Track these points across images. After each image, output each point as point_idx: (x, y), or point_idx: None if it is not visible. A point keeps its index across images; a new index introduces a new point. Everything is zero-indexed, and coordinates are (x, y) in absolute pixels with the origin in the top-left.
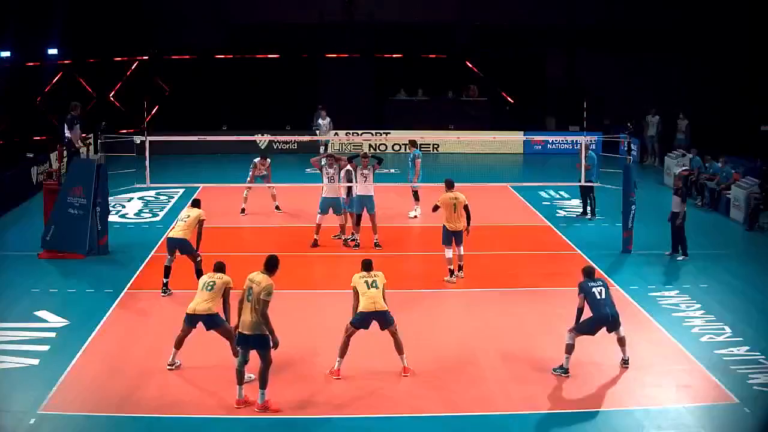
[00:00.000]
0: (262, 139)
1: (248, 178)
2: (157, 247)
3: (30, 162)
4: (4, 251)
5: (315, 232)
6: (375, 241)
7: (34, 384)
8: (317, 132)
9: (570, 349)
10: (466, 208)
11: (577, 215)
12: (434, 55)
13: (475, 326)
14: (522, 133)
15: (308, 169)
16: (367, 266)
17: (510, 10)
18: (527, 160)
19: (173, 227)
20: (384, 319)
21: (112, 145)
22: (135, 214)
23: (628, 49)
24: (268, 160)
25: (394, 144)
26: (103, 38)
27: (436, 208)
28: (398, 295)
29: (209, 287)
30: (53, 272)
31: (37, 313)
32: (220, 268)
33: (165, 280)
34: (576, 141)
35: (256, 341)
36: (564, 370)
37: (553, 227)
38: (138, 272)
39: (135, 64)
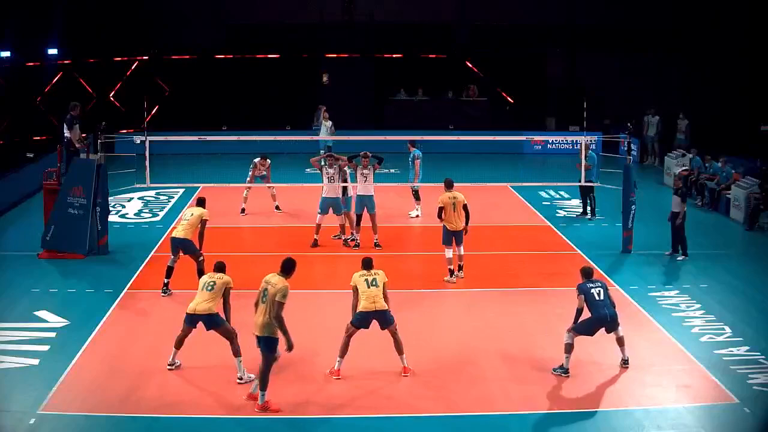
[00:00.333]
0: (325, 136)
1: (248, 178)
2: (157, 247)
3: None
4: (4, 251)
5: (315, 232)
6: (375, 241)
7: (34, 384)
8: (318, 133)
9: (569, 348)
10: (465, 207)
11: (577, 215)
12: (434, 55)
13: (475, 326)
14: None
15: (308, 169)
16: (367, 265)
17: (510, 10)
18: (527, 160)
19: (176, 226)
20: (384, 319)
21: (112, 145)
22: (135, 214)
23: (628, 49)
24: (268, 160)
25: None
26: (103, 38)
27: (440, 213)
28: (398, 295)
29: (209, 287)
30: (53, 272)
31: (37, 313)
32: (220, 268)
33: (166, 280)
34: (576, 141)
35: (263, 342)
36: (564, 370)
37: (553, 227)
38: (138, 272)
39: (135, 64)
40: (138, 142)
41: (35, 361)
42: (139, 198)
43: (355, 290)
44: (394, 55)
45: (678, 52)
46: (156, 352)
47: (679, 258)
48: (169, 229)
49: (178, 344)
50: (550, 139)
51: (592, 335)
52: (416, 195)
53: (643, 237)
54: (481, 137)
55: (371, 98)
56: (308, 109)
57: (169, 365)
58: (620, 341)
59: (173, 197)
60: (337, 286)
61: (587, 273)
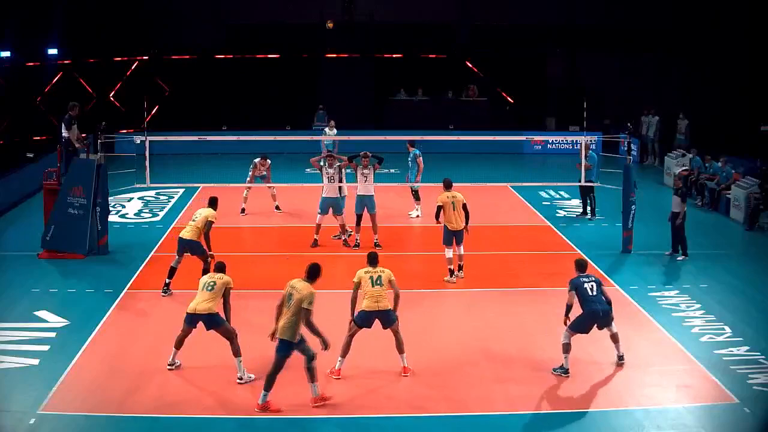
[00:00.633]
0: (327, 136)
1: (248, 178)
2: (157, 247)
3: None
4: (4, 251)
5: (315, 232)
6: (375, 241)
7: (34, 384)
8: (323, 135)
9: (567, 348)
10: (464, 207)
11: (577, 215)
12: (434, 55)
13: (475, 326)
14: (522, 133)
15: (308, 169)
16: (372, 260)
17: (510, 10)
18: (527, 160)
19: (184, 226)
20: (387, 318)
21: (112, 145)
22: (135, 214)
23: (628, 49)
24: (269, 160)
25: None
26: (103, 38)
27: (438, 213)
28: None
29: (210, 287)
30: (53, 272)
31: (37, 313)
32: (220, 268)
33: (167, 281)
34: (576, 141)
35: (280, 344)
36: (564, 370)
37: (553, 227)
38: (138, 272)
39: (135, 64)
40: (138, 142)
41: (35, 361)
42: (139, 198)
43: (358, 286)
44: (394, 55)
45: (678, 52)
46: (156, 352)
47: (679, 258)
48: (170, 228)
49: (178, 344)
50: (550, 139)
51: (586, 332)
52: (416, 195)
53: (643, 237)
54: (481, 137)
55: (371, 98)
56: (308, 109)
57: (169, 365)
58: (614, 338)
59: (173, 197)
60: (337, 286)
61: (581, 266)
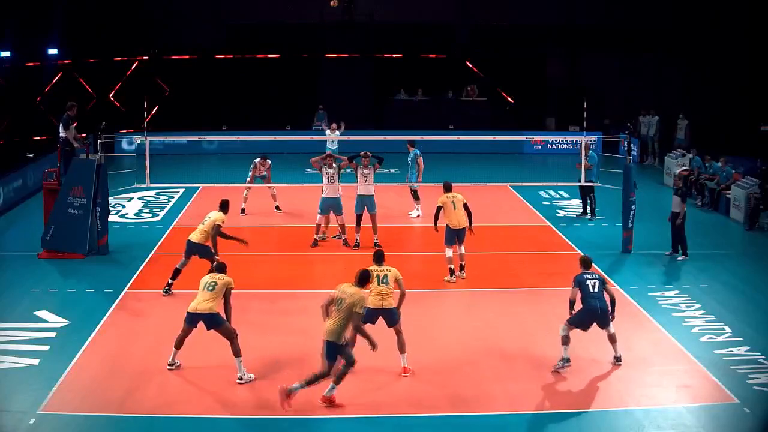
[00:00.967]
0: (333, 135)
1: (248, 178)
2: (157, 247)
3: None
4: (4, 251)
5: (315, 232)
6: (375, 241)
7: (34, 384)
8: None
9: (566, 340)
10: (466, 207)
11: (577, 215)
12: (434, 55)
13: (475, 326)
14: (522, 133)
15: (308, 169)
16: (378, 258)
17: (510, 10)
18: (527, 160)
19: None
20: (391, 317)
21: (112, 145)
22: (135, 214)
23: (628, 49)
24: (269, 160)
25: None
26: (103, 38)
27: (437, 213)
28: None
29: (211, 287)
30: (53, 272)
31: (37, 313)
32: (221, 268)
33: (170, 281)
34: (576, 141)
35: (330, 347)
36: (565, 360)
37: (553, 227)
38: (138, 272)
39: (135, 64)
40: (138, 142)
41: (35, 361)
42: (139, 198)
43: None
44: (394, 55)
45: (678, 52)
46: (156, 352)
47: (679, 258)
48: (170, 228)
49: (179, 344)
50: (550, 139)
51: (585, 329)
52: (415, 195)
53: (643, 237)
54: (481, 137)
55: (371, 98)
56: (308, 109)
57: (169, 365)
58: (612, 338)
59: (173, 197)
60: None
61: (586, 263)
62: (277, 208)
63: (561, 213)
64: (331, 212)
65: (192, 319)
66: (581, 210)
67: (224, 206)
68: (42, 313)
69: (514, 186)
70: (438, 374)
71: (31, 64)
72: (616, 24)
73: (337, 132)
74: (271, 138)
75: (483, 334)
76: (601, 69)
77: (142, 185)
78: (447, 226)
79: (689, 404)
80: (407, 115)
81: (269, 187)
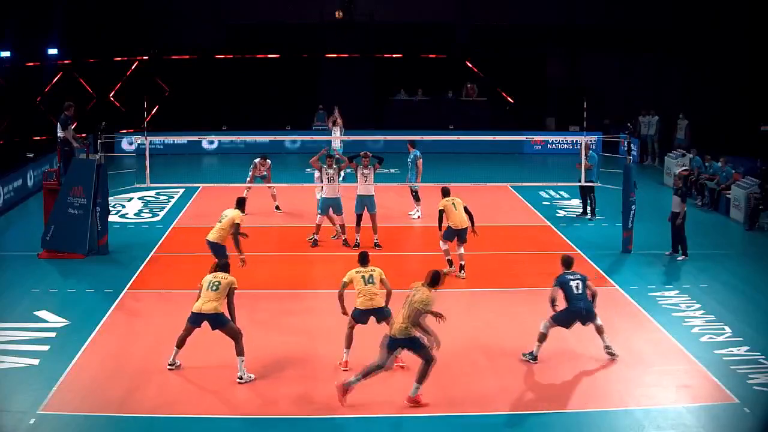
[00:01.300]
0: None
1: (248, 179)
2: (157, 247)
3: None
4: (4, 251)
5: (315, 231)
6: (375, 241)
7: (34, 384)
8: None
9: (542, 338)
10: (466, 210)
11: (577, 215)
12: (434, 55)
13: (474, 326)
14: (522, 133)
15: (308, 169)
16: (363, 259)
17: (510, 10)
18: (527, 160)
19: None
20: (381, 314)
21: (112, 145)
22: (135, 214)
23: (628, 49)
24: (269, 160)
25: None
26: (103, 38)
27: (440, 217)
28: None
29: (214, 287)
30: (53, 272)
31: (37, 313)
32: (224, 268)
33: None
34: (576, 141)
35: (408, 343)
36: (533, 357)
37: (553, 227)
38: (138, 272)
39: (135, 64)
40: (137, 142)
41: (35, 361)
42: (139, 198)
43: (346, 285)
44: (394, 55)
45: (678, 52)
46: (156, 352)
47: (679, 258)
48: (170, 228)
49: (180, 343)
50: (550, 139)
51: (568, 327)
52: (415, 195)
53: (643, 237)
54: (481, 137)
55: (371, 98)
56: (308, 109)
57: (169, 365)
58: (599, 329)
59: (173, 197)
60: (337, 286)
61: (567, 263)
62: (277, 208)
63: (561, 213)
64: (331, 211)
65: (196, 319)
66: (581, 210)
67: (241, 204)
68: (42, 313)
69: (514, 186)
70: (437, 374)
71: (31, 64)
72: (616, 24)
73: (339, 125)
74: (271, 138)
75: (483, 334)
76: (601, 69)
77: (142, 185)
78: (449, 226)
79: (689, 404)
80: (407, 115)
81: (269, 187)
